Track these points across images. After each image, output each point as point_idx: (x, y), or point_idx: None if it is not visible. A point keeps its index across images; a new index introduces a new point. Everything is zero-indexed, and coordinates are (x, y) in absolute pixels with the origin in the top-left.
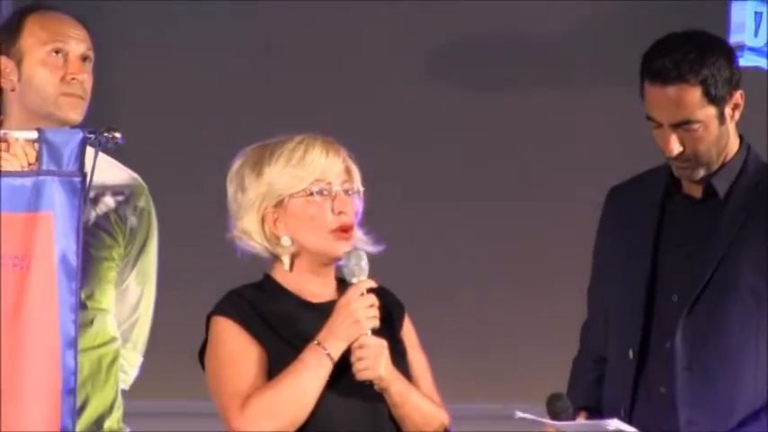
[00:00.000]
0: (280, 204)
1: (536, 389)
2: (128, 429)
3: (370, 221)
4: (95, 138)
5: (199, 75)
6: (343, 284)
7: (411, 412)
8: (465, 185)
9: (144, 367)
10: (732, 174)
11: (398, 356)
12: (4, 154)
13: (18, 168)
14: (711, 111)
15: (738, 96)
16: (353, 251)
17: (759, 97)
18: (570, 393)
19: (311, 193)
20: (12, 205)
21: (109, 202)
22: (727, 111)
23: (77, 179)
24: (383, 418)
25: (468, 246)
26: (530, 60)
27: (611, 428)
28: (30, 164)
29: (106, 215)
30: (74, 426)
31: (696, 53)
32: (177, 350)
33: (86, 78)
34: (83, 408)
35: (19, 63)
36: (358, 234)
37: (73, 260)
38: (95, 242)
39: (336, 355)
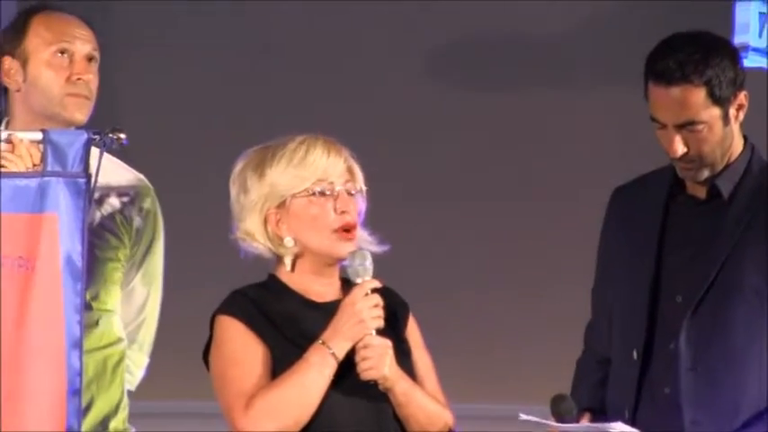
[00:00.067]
0: (282, 205)
1: (537, 389)
2: (133, 430)
3: (370, 221)
4: (100, 139)
5: (201, 75)
6: (347, 284)
7: (416, 412)
8: (465, 185)
9: (148, 367)
10: (736, 175)
11: (403, 356)
12: (8, 155)
13: (23, 169)
14: (716, 111)
15: (743, 97)
16: (358, 251)
17: (759, 97)
18: (574, 394)
19: (313, 193)
20: (16, 206)
21: (114, 202)
22: (732, 111)
23: (82, 180)
24: (387, 417)
25: (467, 246)
26: (530, 60)
27: (614, 431)
28: (34, 165)
29: (112, 216)
30: (79, 426)
31: (701, 54)
32: (181, 351)
33: (92, 79)
34: (88, 408)
35: (24, 63)
36: (362, 234)
37: (78, 261)
38: (101, 243)
39: (341, 354)
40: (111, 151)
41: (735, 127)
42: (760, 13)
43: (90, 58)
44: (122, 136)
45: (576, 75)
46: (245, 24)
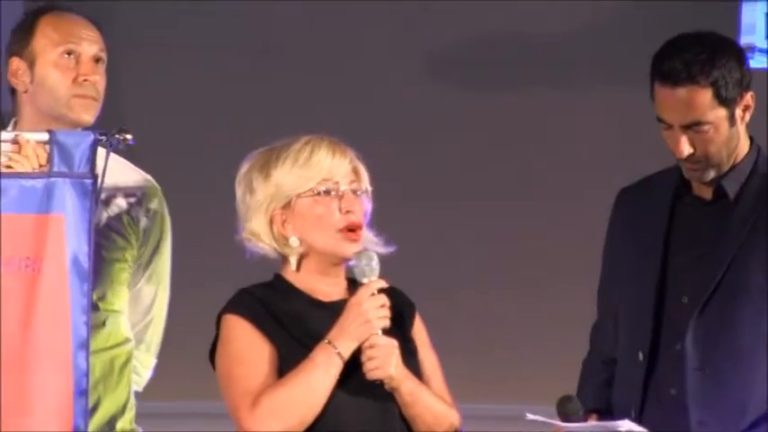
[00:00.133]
0: (287, 205)
1: (538, 389)
2: (140, 430)
3: (371, 221)
4: (106, 139)
5: (201, 75)
6: (353, 284)
7: (422, 412)
8: (465, 185)
9: (155, 367)
10: (742, 175)
11: (409, 356)
12: (15, 155)
13: (29, 170)
14: (722, 112)
15: (749, 98)
16: (364, 251)
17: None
18: (580, 395)
19: (318, 193)
20: (23, 206)
21: (121, 203)
22: (738, 112)
23: (88, 181)
24: (394, 417)
25: (467, 246)
26: (530, 60)
27: (622, 430)
28: (41, 165)
29: (119, 216)
30: (86, 426)
31: (707, 54)
32: (187, 351)
33: (99, 80)
34: (95, 408)
35: (31, 64)
36: (368, 235)
37: (84, 262)
38: (107, 244)
39: (347, 354)
40: (117, 151)
41: (741, 128)
42: (766, 13)
43: (97, 60)
44: (128, 136)
45: (575, 75)
46: (245, 24)
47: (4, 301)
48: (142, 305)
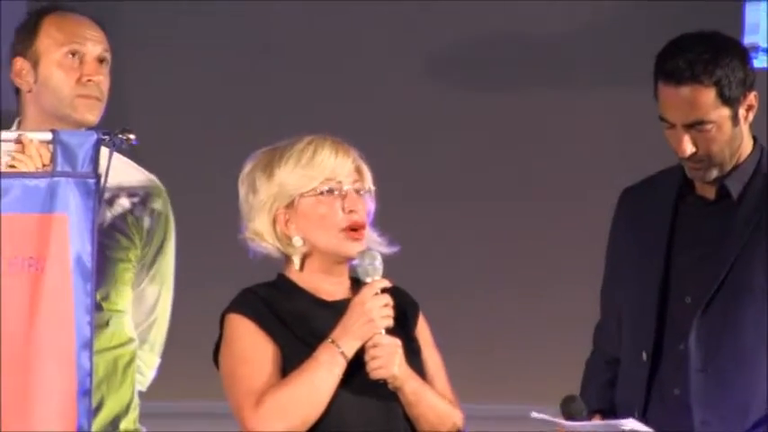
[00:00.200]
0: (291, 205)
1: (538, 389)
2: (144, 430)
3: (373, 221)
4: (109, 139)
5: (202, 75)
6: (357, 284)
7: (425, 411)
8: (465, 185)
9: (159, 367)
10: (745, 175)
11: (413, 355)
12: (18, 155)
13: (32, 169)
14: (725, 112)
15: (752, 97)
16: (367, 251)
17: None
18: (583, 395)
19: (321, 192)
20: (26, 206)
21: (124, 203)
22: (741, 112)
23: (92, 180)
24: (397, 417)
25: (467, 246)
26: (530, 60)
27: (626, 428)
28: (44, 165)
29: (122, 216)
30: (89, 426)
31: (710, 54)
32: (191, 350)
33: (103, 80)
34: (98, 408)
35: (35, 64)
36: (371, 235)
37: (88, 261)
38: (111, 243)
39: (350, 353)
40: (120, 151)
41: (744, 127)
42: None
43: (101, 60)
44: (132, 136)
45: (575, 75)
46: (245, 24)
47: (7, 300)
48: (146, 305)
